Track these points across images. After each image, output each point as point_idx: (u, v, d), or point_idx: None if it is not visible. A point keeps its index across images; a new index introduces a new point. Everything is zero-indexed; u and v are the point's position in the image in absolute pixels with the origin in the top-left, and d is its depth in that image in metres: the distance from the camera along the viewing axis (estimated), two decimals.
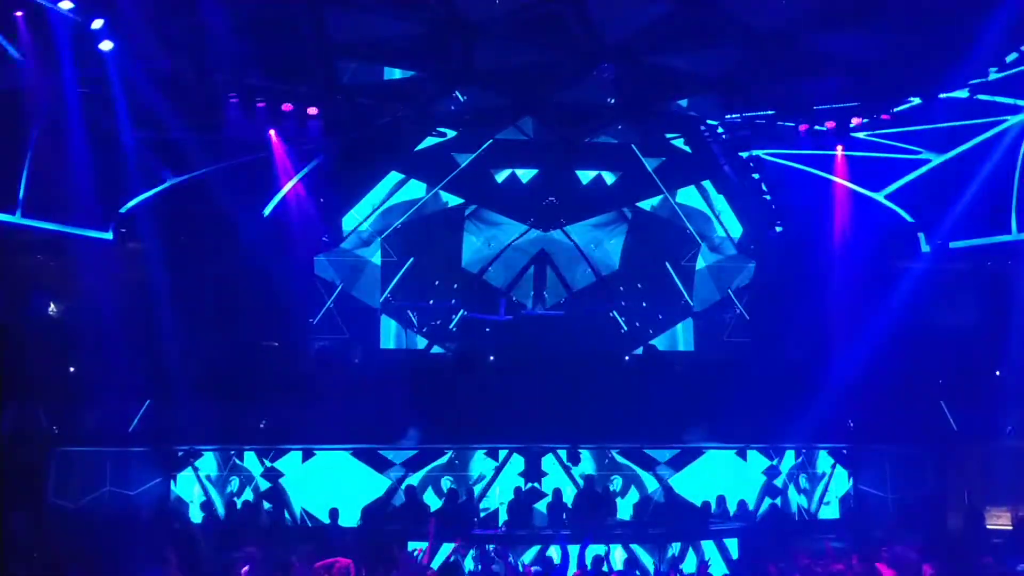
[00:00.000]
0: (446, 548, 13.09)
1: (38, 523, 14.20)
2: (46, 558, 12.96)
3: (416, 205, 19.14)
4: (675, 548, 14.09)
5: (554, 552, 13.02)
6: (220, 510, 16.59)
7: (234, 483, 17.16)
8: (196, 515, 16.33)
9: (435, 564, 12.20)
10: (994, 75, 14.22)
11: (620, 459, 17.50)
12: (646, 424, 15.54)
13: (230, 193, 16.05)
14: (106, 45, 12.97)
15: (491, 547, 13.79)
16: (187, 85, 14.31)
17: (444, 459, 17.27)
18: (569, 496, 16.53)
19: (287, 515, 16.80)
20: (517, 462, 17.17)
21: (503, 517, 16.36)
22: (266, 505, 16.77)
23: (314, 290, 18.76)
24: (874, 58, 14.15)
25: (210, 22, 12.93)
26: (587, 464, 17.40)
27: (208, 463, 17.05)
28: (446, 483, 17.07)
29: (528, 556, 13.83)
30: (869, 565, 11.61)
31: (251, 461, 17.17)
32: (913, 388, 15.91)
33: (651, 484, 17.52)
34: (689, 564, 13.98)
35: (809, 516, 17.91)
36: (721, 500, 16.76)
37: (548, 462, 17.17)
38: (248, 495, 17.03)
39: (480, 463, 17.41)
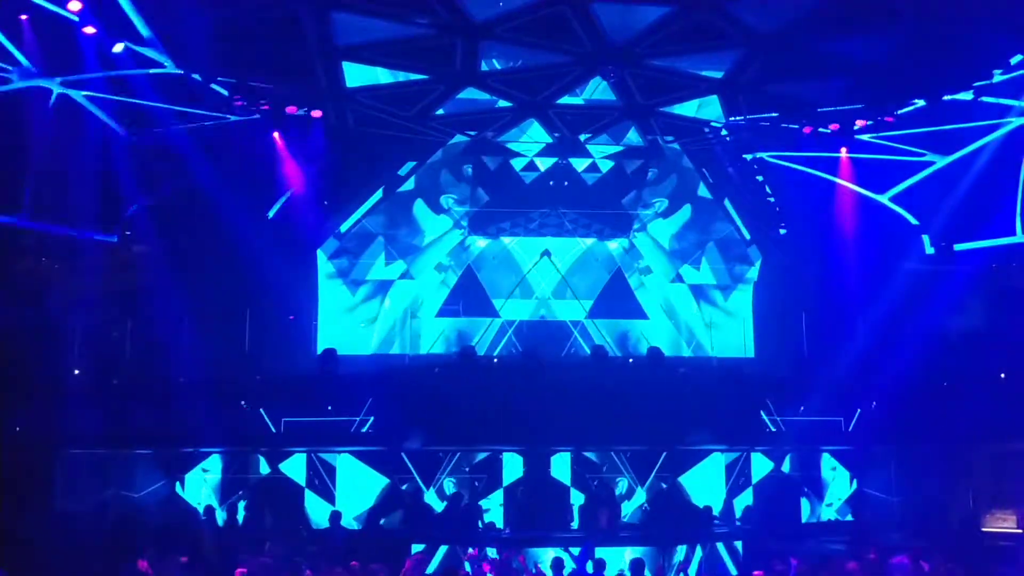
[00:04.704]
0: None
1: (44, 526, 14.21)
2: (52, 561, 12.96)
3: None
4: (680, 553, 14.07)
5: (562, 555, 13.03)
6: (225, 513, 16.57)
7: (238, 486, 17.14)
8: (201, 518, 16.32)
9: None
10: (999, 77, 14.20)
11: (624, 461, 17.47)
12: (650, 426, 15.49)
13: (234, 195, 16.09)
14: (117, 47, 13.01)
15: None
16: (192, 88, 14.34)
17: (448, 461, 17.25)
18: (574, 499, 16.52)
19: (290, 518, 16.77)
20: (521, 464, 17.15)
21: (507, 520, 16.33)
22: (269, 508, 16.75)
23: (317, 293, 18.81)
24: (878, 60, 14.12)
25: (215, 25, 12.95)
26: (591, 468, 17.37)
27: (213, 466, 17.04)
28: (449, 486, 17.06)
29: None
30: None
31: (256, 464, 17.16)
32: (918, 390, 15.86)
33: (655, 487, 17.49)
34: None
35: (814, 519, 17.87)
36: (726, 503, 16.74)
37: (552, 464, 17.14)
38: (252, 498, 17.01)
39: (485, 465, 17.39)
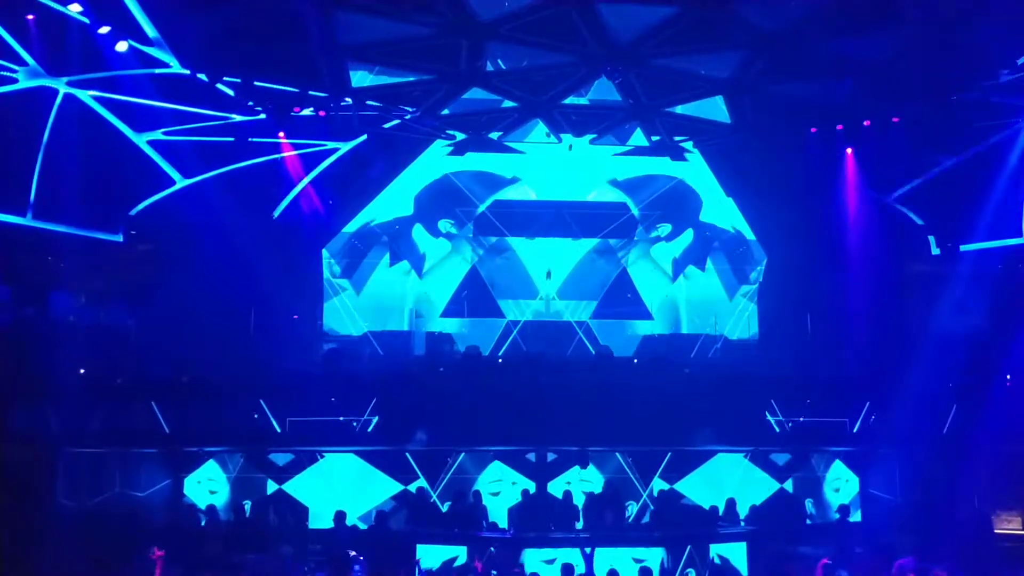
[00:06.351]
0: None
1: (47, 524, 14.22)
2: (54, 559, 12.98)
3: None
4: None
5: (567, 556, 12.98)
6: (229, 512, 16.57)
7: (243, 485, 17.15)
8: (205, 517, 16.32)
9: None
10: (1006, 77, 14.17)
11: (629, 461, 17.44)
12: (655, 427, 15.45)
13: (240, 195, 16.11)
14: (121, 46, 13.02)
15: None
16: (198, 87, 14.36)
17: (452, 461, 17.24)
18: (579, 499, 16.48)
19: (295, 517, 16.77)
20: (525, 464, 17.13)
21: (511, 520, 16.30)
22: (274, 507, 16.74)
23: (322, 292, 18.84)
24: (884, 60, 14.09)
25: (220, 24, 12.97)
26: (596, 467, 17.35)
27: (217, 465, 17.05)
28: (454, 485, 17.03)
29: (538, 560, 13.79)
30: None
31: (260, 463, 17.16)
32: (924, 390, 15.81)
33: (659, 487, 17.46)
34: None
35: (818, 520, 17.82)
36: (731, 503, 16.68)
37: (557, 464, 17.12)
38: (257, 497, 17.00)
39: (490, 466, 17.37)
